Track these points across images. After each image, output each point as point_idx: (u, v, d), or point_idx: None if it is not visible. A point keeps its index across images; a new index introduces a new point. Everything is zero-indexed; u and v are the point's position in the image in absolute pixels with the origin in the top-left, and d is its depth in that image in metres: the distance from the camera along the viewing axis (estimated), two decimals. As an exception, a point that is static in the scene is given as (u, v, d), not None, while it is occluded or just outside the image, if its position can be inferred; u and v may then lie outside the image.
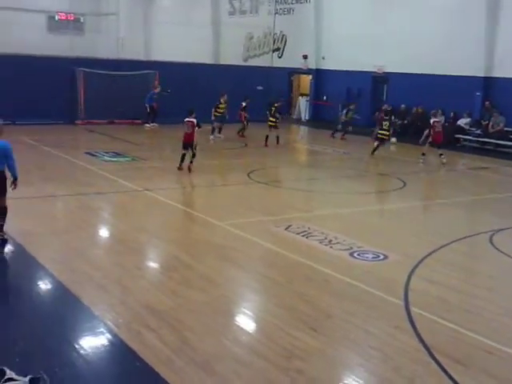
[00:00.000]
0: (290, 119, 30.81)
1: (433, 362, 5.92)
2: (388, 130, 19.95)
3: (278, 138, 20.99)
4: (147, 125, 24.34)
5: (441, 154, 18.57)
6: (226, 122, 22.22)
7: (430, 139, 18.71)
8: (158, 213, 11.68)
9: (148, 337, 6.22)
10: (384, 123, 19.94)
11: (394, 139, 22.19)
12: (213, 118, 21.63)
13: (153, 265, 9.16)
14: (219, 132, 22.16)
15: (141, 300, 7.20)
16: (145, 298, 7.29)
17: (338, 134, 23.89)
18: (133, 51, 29.95)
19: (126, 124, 24.52)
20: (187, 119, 15.45)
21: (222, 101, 21.94)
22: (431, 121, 19.05)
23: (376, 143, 19.89)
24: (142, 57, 31.94)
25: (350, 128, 23.92)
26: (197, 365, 5.69)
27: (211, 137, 21.39)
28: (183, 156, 15.42)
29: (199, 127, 15.49)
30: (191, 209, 11.68)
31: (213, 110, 21.62)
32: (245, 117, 22.80)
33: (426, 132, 18.87)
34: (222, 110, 21.95)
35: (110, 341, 6.16)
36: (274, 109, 21.07)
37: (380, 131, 19.96)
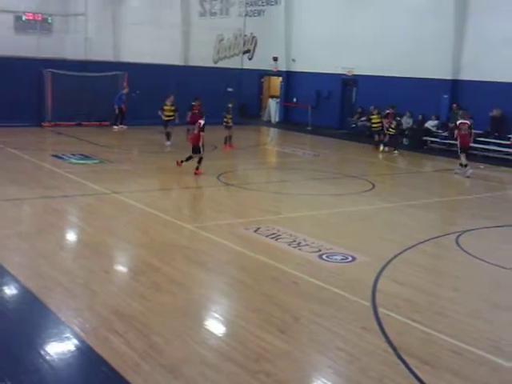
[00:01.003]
0: (260, 121, 30.87)
1: (400, 362, 5.97)
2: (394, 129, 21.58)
3: (230, 137, 21.00)
4: (115, 127, 24.14)
5: (465, 165, 17.47)
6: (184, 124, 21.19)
7: (459, 144, 17.57)
8: (126, 216, 11.58)
9: (115, 342, 6.16)
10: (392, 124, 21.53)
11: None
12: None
13: (121, 268, 9.07)
14: (167, 137, 20.32)
15: (108, 304, 7.13)
16: (113, 302, 7.22)
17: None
18: (101, 52, 29.74)
19: (94, 126, 24.30)
20: (200, 121, 15.55)
21: (167, 103, 20.26)
22: (457, 122, 17.97)
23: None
24: (110, 58, 31.74)
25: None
26: (164, 368, 5.65)
27: (167, 143, 20.17)
28: (190, 157, 15.56)
29: (203, 131, 15.45)
30: (160, 212, 11.60)
31: (159, 112, 20.16)
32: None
33: (455, 135, 17.82)
34: (168, 113, 20.22)
35: (76, 346, 6.08)
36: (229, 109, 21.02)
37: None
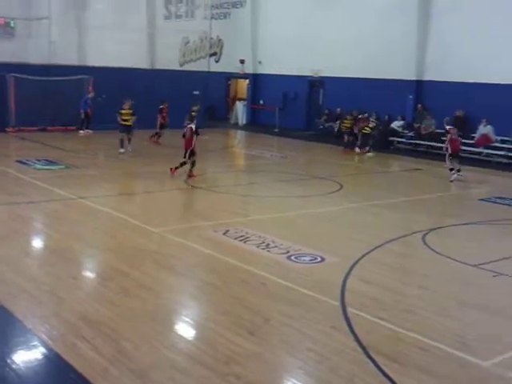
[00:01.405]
0: (228, 124, 30.87)
1: (369, 361, 6.02)
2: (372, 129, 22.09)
3: None
4: (81, 131, 23.88)
5: (458, 170, 17.16)
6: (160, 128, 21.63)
7: (449, 150, 17.14)
8: (93, 221, 11.46)
9: (83, 348, 6.08)
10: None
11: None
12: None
13: (88, 274, 8.97)
14: (121, 144, 19.19)
15: (76, 311, 7.04)
16: (80, 308, 7.13)
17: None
18: (66, 56, 29.34)
19: (60, 131, 23.99)
20: (189, 125, 15.50)
21: (124, 107, 19.27)
22: (447, 128, 17.73)
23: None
24: (75, 62, 31.33)
25: None
26: (133, 374, 5.61)
27: (121, 150, 19.12)
28: (183, 163, 15.47)
29: (197, 134, 15.42)
30: (127, 216, 11.50)
31: (117, 117, 19.17)
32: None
33: (447, 141, 17.39)
34: (125, 118, 19.18)
35: (43, 354, 5.99)
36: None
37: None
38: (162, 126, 22.01)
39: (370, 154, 21.68)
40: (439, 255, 9.76)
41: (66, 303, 7.30)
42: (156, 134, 22.09)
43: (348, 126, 23.11)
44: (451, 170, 17.07)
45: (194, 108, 21.00)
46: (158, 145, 21.74)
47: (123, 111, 19.23)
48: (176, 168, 15.62)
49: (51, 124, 24.20)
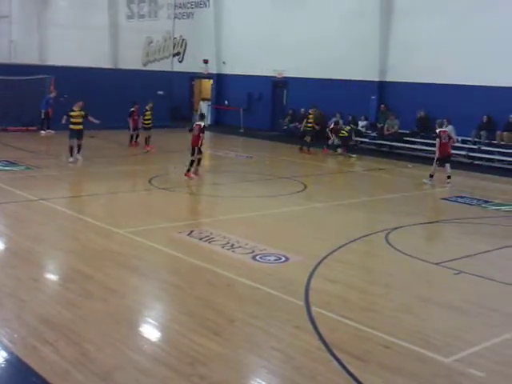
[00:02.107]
0: (191, 124, 30.69)
1: (333, 359, 6.05)
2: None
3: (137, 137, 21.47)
4: (43, 131, 23.51)
5: (448, 177, 16.48)
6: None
7: (438, 154, 16.49)
8: (55, 222, 11.29)
9: (45, 351, 5.99)
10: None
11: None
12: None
13: (50, 276, 8.83)
14: (70, 152, 17.46)
15: (37, 313, 6.93)
16: (42, 311, 7.02)
17: None
18: (27, 55, 28.90)
19: (21, 131, 23.58)
20: (196, 123, 15.71)
21: (75, 108, 17.47)
22: (437, 131, 16.76)
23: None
24: (36, 61, 30.88)
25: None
26: (96, 376, 5.54)
27: (70, 159, 17.43)
28: (192, 162, 15.55)
29: (203, 132, 15.61)
30: (90, 217, 11.36)
31: (65, 119, 17.54)
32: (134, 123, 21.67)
33: (437, 145, 16.65)
34: (76, 121, 17.35)
35: (4, 358, 5.87)
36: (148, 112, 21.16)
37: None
38: (135, 129, 21.58)
39: (353, 156, 21.73)
40: (402, 254, 9.88)
41: (27, 306, 7.18)
42: (131, 137, 21.66)
43: (311, 125, 23.15)
44: (431, 176, 16.52)
45: (147, 107, 21.04)
46: (136, 146, 21.33)
47: (73, 113, 17.36)
48: (188, 170, 15.70)
49: (12, 124, 23.77)
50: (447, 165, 16.55)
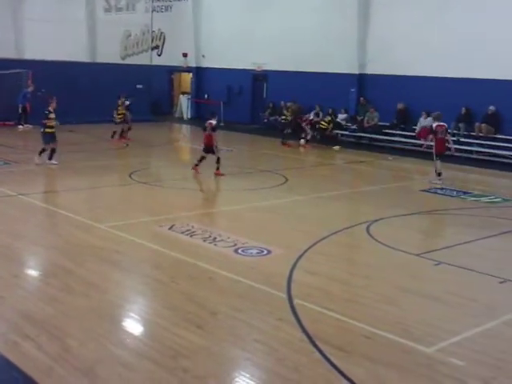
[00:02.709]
0: (172, 118, 30.62)
1: (316, 350, 6.08)
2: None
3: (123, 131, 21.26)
4: (20, 126, 23.26)
5: (439, 174, 15.50)
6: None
7: (435, 150, 15.58)
8: (35, 218, 11.20)
9: (26, 346, 5.94)
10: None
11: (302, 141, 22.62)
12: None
13: (31, 272, 8.75)
14: (41, 153, 15.98)
15: (18, 309, 6.88)
16: (22, 307, 6.97)
17: None
18: (3, 49, 28.52)
19: (-2, 126, 23.33)
20: (209, 121, 15.44)
21: (51, 110, 16.01)
22: (433, 125, 15.81)
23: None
24: (12, 55, 30.49)
25: None
26: (79, 371, 5.51)
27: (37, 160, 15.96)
28: (202, 158, 15.42)
29: (214, 130, 15.34)
30: (70, 212, 11.27)
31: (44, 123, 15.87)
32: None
33: (430, 138, 16.00)
34: (52, 124, 15.82)
35: (-16, 354, 5.83)
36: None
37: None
38: (121, 122, 21.30)
39: (336, 149, 21.85)
40: (383, 245, 9.94)
41: (7, 302, 7.14)
42: (118, 132, 21.28)
43: (287, 118, 23.23)
44: (439, 174, 15.47)
45: (119, 101, 20.94)
46: (128, 140, 21.05)
47: (51, 115, 15.95)
48: (196, 165, 15.58)
49: (-12, 119, 23.51)
50: (438, 161, 15.62)
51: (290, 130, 22.62)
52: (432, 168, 15.94)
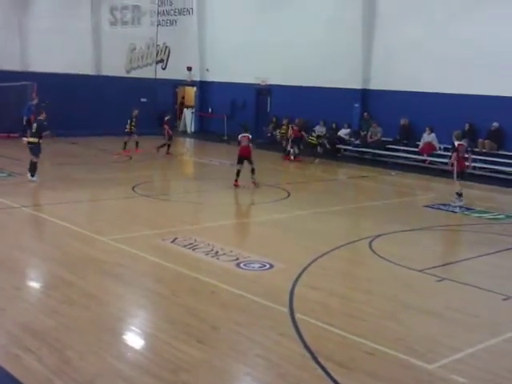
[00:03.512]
0: (176, 132, 30.68)
1: (317, 366, 6.04)
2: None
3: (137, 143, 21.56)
4: (25, 138, 23.25)
5: (460, 194, 14.98)
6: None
7: (457, 169, 15.02)
8: (37, 230, 11.21)
9: (26, 359, 5.92)
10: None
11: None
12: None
13: (32, 284, 8.75)
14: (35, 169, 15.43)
15: (19, 321, 6.86)
16: (23, 319, 6.95)
17: None
18: (8, 62, 28.70)
19: (2, 138, 23.37)
20: (243, 135, 16.15)
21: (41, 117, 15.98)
22: (455, 144, 15.22)
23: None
24: (17, 67, 30.67)
25: None
26: (79, 385, 5.49)
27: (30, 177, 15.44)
28: (239, 172, 15.85)
29: (252, 142, 16.32)
30: (72, 225, 11.27)
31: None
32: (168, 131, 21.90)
33: (452, 159, 15.22)
34: (33, 138, 15.46)
35: (-16, 366, 5.81)
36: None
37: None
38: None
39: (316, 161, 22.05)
40: (385, 261, 9.91)
41: (8, 314, 7.12)
42: (129, 143, 21.45)
43: (284, 133, 23.38)
44: (459, 194, 14.96)
45: (133, 114, 21.33)
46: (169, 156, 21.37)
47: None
48: (236, 180, 15.89)
49: (-7, 131, 23.57)
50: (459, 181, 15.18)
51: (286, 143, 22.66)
52: (437, 184, 15.89)
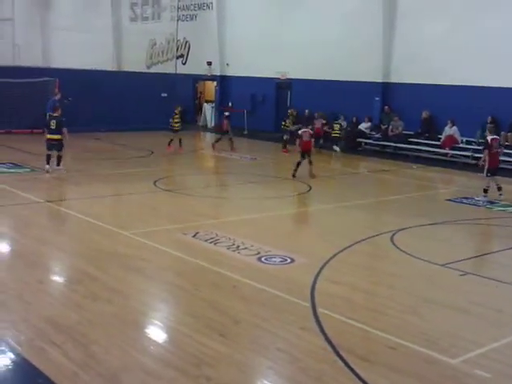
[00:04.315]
0: (196, 126, 30.78)
1: (339, 360, 6.05)
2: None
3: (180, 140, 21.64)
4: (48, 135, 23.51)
5: (499, 188, 14.62)
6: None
7: (487, 165, 14.45)
8: (61, 224, 11.34)
9: (52, 353, 6.01)
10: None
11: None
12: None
13: (56, 278, 8.86)
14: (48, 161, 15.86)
15: (44, 315, 6.95)
16: (48, 313, 7.05)
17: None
18: (31, 58, 29.00)
19: (25, 133, 23.63)
20: (304, 130, 16.78)
21: (55, 113, 16.33)
22: (488, 138, 14.67)
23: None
24: (40, 64, 30.97)
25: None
26: (103, 378, 5.56)
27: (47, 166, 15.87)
28: (299, 163, 16.42)
29: (313, 137, 17.25)
30: (95, 219, 11.38)
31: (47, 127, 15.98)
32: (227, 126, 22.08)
33: (484, 155, 14.68)
34: (53, 137, 15.79)
35: (11, 359, 5.90)
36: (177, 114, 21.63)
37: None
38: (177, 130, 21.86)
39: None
40: (407, 255, 9.87)
41: (33, 308, 7.21)
42: (176, 140, 21.64)
43: (287, 126, 23.26)
44: (485, 190, 14.48)
45: (176, 111, 21.68)
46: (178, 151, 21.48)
47: (52, 122, 16.02)
48: (295, 170, 16.41)
49: (17, 127, 23.83)
50: (490, 178, 14.66)
51: (287, 137, 22.50)
52: (460, 177, 15.77)
